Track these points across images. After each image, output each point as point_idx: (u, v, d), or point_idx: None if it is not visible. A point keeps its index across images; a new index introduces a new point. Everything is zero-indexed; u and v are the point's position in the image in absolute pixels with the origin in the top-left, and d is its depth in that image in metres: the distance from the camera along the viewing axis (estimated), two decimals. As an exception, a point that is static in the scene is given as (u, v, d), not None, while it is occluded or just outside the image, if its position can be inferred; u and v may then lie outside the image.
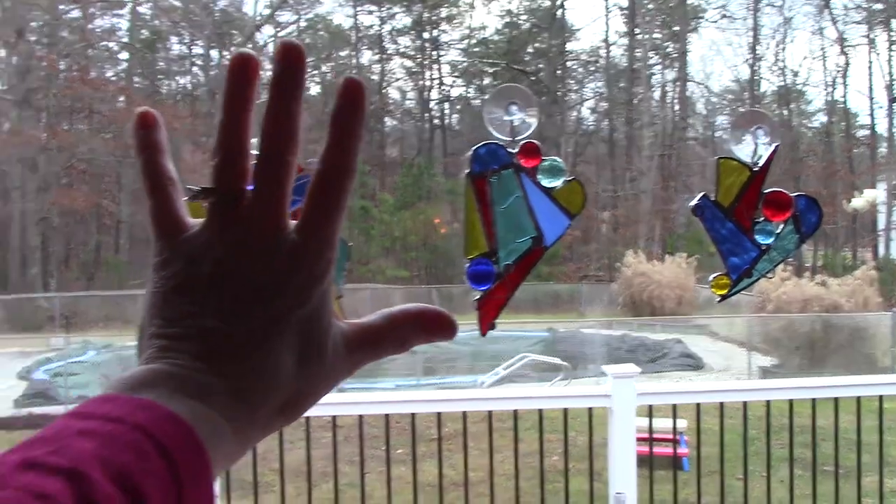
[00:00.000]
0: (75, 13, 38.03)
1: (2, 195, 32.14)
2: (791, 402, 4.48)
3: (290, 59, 0.51)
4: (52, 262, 32.92)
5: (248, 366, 0.49)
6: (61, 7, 36.06)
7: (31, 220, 30.36)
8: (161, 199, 0.53)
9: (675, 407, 4.66)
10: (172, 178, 0.54)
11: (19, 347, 19.97)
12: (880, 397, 4.53)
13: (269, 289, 0.50)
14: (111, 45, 42.51)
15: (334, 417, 4.64)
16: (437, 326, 0.55)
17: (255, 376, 0.50)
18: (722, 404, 4.48)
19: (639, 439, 4.38)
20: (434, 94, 52.14)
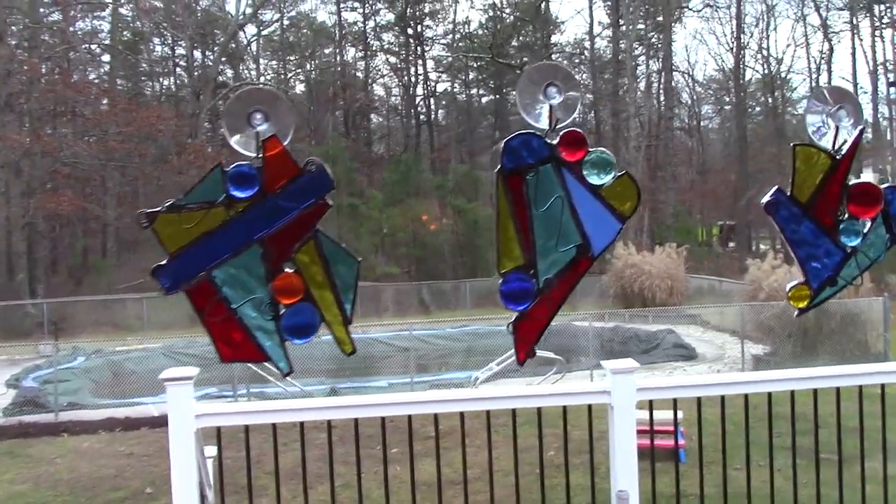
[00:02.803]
0: (56, 16, 37.72)
1: (-14, 201, 31.89)
2: (792, 392, 4.41)
3: None
4: (39, 267, 32.63)
5: None
6: (42, 10, 35.74)
7: (17, 226, 30.08)
8: None
9: (675, 401, 4.59)
10: None
11: (7, 355, 19.78)
12: (882, 386, 4.47)
13: None
14: (93, 47, 42.22)
15: (329, 420, 4.55)
16: None
17: None
18: (723, 397, 4.41)
19: (638, 432, 4.30)
20: (419, 90, 52.04)
